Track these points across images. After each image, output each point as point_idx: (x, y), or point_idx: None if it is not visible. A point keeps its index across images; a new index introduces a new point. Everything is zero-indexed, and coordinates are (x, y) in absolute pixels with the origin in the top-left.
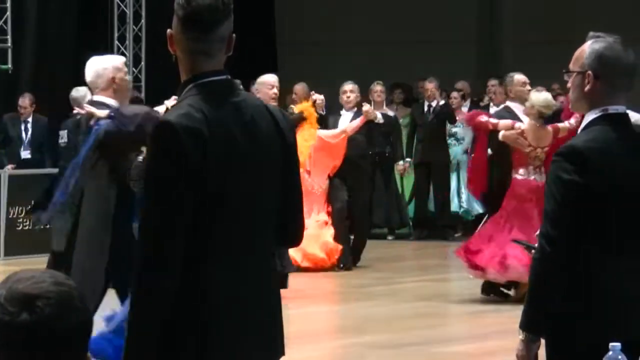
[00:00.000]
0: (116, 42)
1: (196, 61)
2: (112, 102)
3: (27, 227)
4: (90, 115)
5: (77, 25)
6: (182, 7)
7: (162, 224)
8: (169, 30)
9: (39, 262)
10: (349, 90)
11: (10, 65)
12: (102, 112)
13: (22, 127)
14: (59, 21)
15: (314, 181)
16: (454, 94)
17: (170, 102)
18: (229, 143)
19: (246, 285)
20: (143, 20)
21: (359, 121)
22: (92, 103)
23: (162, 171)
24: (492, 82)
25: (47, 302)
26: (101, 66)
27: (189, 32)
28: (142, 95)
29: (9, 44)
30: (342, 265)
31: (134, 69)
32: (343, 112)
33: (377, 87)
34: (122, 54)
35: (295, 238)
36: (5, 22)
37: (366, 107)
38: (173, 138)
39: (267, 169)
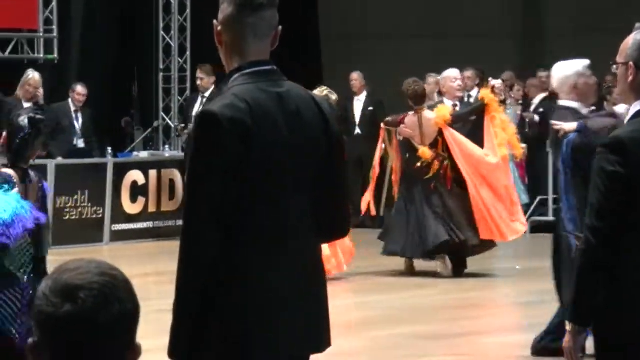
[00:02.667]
0: (161, 32)
1: (241, 52)
2: (575, 105)
3: (74, 217)
4: (558, 130)
5: (122, 16)
6: None
7: (203, 213)
8: (215, 22)
9: (85, 252)
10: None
11: (56, 55)
12: (570, 126)
13: (74, 116)
14: (104, 11)
15: None
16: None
17: None
18: (273, 133)
19: (288, 274)
20: (188, 10)
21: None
22: (558, 108)
23: (204, 160)
24: (542, 74)
25: (89, 293)
26: (564, 74)
27: (243, 14)
28: (188, 85)
29: (55, 34)
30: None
31: (179, 59)
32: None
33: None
34: (167, 44)
35: (340, 229)
36: (51, 12)
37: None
38: (216, 128)
39: (311, 159)
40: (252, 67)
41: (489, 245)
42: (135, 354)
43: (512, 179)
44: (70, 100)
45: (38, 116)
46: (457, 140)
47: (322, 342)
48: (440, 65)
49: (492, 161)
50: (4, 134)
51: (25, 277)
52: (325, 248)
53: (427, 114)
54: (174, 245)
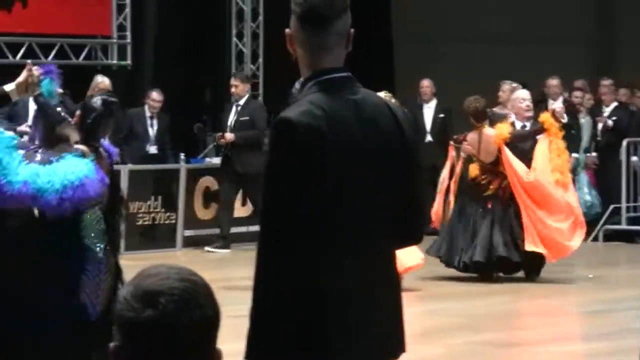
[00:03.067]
0: (234, 39)
1: (315, 58)
2: None
3: (147, 222)
4: None
5: (195, 22)
6: (299, 4)
7: (280, 221)
8: (287, 30)
9: (157, 258)
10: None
11: (129, 62)
12: None
13: (149, 123)
14: (178, 18)
15: None
16: (577, 93)
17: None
18: (348, 140)
19: (363, 280)
20: (261, 17)
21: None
22: None
23: (280, 168)
24: (605, 82)
25: (170, 299)
26: None
27: (307, 29)
28: (260, 92)
29: (129, 40)
30: None
31: (251, 66)
32: None
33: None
34: (240, 51)
35: (415, 236)
36: (125, 19)
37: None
38: (292, 135)
39: (385, 166)
40: (327, 74)
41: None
42: (217, 359)
43: (576, 199)
44: (146, 106)
45: (111, 98)
46: (508, 161)
47: (397, 347)
48: (512, 71)
49: (546, 179)
50: (77, 112)
51: (101, 253)
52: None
53: (488, 131)
54: (246, 251)
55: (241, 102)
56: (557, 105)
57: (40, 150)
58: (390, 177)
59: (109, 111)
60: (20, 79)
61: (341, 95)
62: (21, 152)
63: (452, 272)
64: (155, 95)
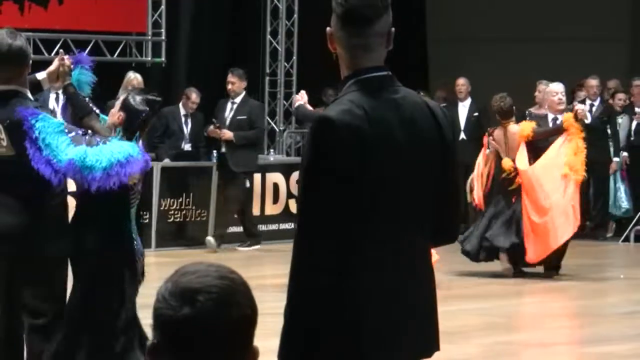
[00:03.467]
0: (268, 36)
1: (356, 57)
2: None
3: (178, 219)
4: None
5: (230, 20)
6: (340, 4)
7: (317, 220)
8: (328, 29)
9: (189, 254)
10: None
11: (164, 59)
12: None
13: (184, 121)
14: (212, 16)
15: None
16: (620, 95)
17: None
18: (388, 140)
19: (399, 279)
20: (296, 15)
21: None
22: None
23: (319, 166)
24: (638, 82)
25: (208, 297)
26: None
27: (348, 29)
28: (294, 89)
29: (163, 37)
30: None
31: (285, 64)
32: None
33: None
34: (274, 48)
35: (451, 234)
36: (160, 16)
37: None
38: (332, 134)
39: (424, 166)
40: (368, 73)
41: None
42: (253, 357)
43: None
44: (180, 104)
45: (155, 98)
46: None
47: (432, 345)
48: (546, 71)
49: (551, 173)
50: (121, 114)
51: (137, 239)
52: None
53: (512, 127)
54: (277, 249)
55: (237, 100)
56: (580, 106)
57: (81, 132)
58: (428, 175)
59: (153, 110)
60: (52, 67)
61: (381, 94)
62: (71, 134)
63: (484, 270)
64: (194, 96)
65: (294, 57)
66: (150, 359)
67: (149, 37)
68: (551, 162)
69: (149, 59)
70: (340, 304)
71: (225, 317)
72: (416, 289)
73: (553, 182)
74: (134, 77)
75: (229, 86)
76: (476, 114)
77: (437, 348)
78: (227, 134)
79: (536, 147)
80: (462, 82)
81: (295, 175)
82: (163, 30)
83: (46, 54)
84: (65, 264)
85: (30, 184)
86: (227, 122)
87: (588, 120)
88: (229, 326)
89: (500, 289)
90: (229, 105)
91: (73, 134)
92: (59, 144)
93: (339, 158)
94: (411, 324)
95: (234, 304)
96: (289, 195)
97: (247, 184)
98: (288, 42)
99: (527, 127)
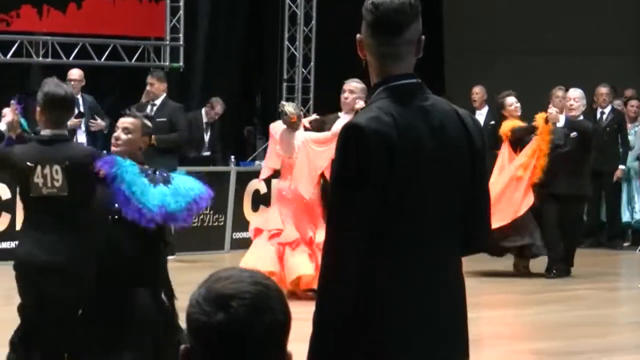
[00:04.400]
0: (286, 42)
1: (386, 64)
2: None
3: (195, 224)
4: None
5: (247, 25)
6: (371, 11)
7: (346, 226)
8: (358, 36)
9: (206, 259)
10: (349, 90)
11: (182, 64)
12: None
13: (204, 128)
14: (230, 21)
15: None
16: (633, 102)
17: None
18: (417, 147)
19: (428, 288)
20: (314, 21)
21: None
22: None
23: (348, 173)
24: None
25: (242, 302)
26: None
27: (378, 36)
28: (311, 96)
29: (181, 42)
30: (554, 272)
31: (303, 70)
32: (341, 114)
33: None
34: (292, 54)
35: (481, 244)
36: (178, 21)
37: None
38: (361, 141)
39: (454, 174)
40: (397, 80)
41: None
42: None
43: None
44: (203, 111)
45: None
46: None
47: (461, 354)
48: (562, 80)
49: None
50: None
51: None
52: None
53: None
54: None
55: (157, 102)
56: (553, 109)
57: (150, 170)
58: (457, 183)
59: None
60: (9, 118)
61: (411, 101)
62: (146, 175)
63: (505, 279)
64: (219, 108)
65: (312, 63)
66: None
67: (167, 42)
68: (508, 168)
69: (167, 63)
70: (367, 312)
71: (259, 322)
72: (445, 296)
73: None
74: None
75: (148, 87)
76: (492, 122)
77: (467, 356)
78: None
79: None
80: (477, 91)
81: None
82: (181, 35)
83: (64, 58)
84: None
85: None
86: None
87: (560, 123)
88: (262, 332)
89: (518, 297)
90: (148, 107)
91: (144, 174)
92: (144, 189)
93: (367, 165)
94: (440, 332)
95: (267, 310)
96: None
97: None
98: (306, 48)
99: (506, 126)
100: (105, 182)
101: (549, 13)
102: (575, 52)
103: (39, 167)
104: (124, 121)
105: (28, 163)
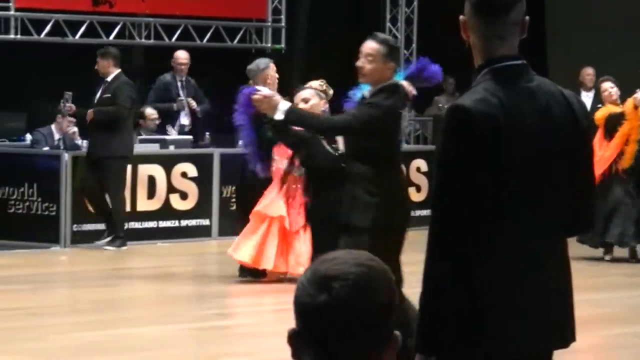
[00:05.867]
0: (388, 23)
1: (491, 46)
2: None
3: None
4: None
5: (349, 7)
6: None
7: (451, 208)
8: (461, 17)
9: None
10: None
11: (283, 45)
12: None
13: None
14: (331, 3)
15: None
16: None
17: None
18: (523, 129)
19: (534, 268)
20: (415, 3)
21: None
22: None
23: (454, 154)
24: None
25: (344, 283)
26: None
27: (482, 17)
28: None
29: (283, 24)
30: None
31: (405, 52)
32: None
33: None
34: (394, 36)
35: (587, 224)
36: (280, 2)
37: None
38: (467, 122)
39: (559, 155)
40: (502, 62)
41: None
42: (393, 345)
43: None
44: None
45: None
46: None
47: (568, 335)
48: None
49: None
50: None
51: None
52: None
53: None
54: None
55: (108, 79)
56: (639, 93)
57: None
58: (563, 164)
59: None
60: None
61: (516, 83)
62: None
63: (605, 263)
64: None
65: (414, 45)
66: (290, 345)
67: (269, 24)
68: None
69: (269, 45)
70: (475, 295)
71: (361, 303)
72: (552, 277)
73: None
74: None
75: (96, 66)
76: (599, 105)
77: (574, 338)
78: (89, 114)
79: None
80: (589, 72)
81: (415, 163)
82: (283, 17)
83: (167, 40)
84: None
85: None
86: (95, 101)
87: None
88: (365, 313)
89: (621, 280)
90: (102, 86)
91: None
92: None
93: (473, 145)
94: (548, 313)
95: (370, 291)
96: (409, 183)
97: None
98: (407, 30)
99: (600, 113)
100: None
101: None
102: None
103: None
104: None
105: None
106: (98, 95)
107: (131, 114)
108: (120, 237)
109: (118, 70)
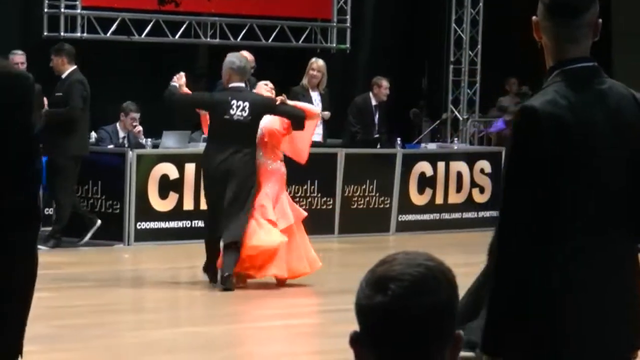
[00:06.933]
0: (453, 24)
1: (562, 47)
2: None
3: (361, 206)
4: None
5: (414, 8)
6: None
7: (519, 209)
8: (534, 18)
9: (371, 242)
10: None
11: (348, 45)
12: None
13: (374, 110)
14: (396, 3)
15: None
16: None
17: None
18: (593, 131)
19: (600, 271)
20: (481, 4)
21: None
22: None
23: (521, 155)
24: None
25: (400, 284)
26: None
27: (555, 19)
28: (477, 78)
29: (348, 24)
30: None
31: (470, 52)
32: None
33: None
34: (459, 37)
35: None
36: (345, 3)
37: None
38: (535, 123)
39: (629, 158)
40: (573, 64)
41: None
42: (456, 345)
43: None
44: (371, 94)
45: None
46: None
47: (636, 338)
48: None
49: None
50: None
51: None
52: None
53: None
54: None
55: (63, 76)
56: None
57: None
58: (633, 167)
59: None
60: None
61: (587, 85)
62: None
63: None
64: (385, 84)
65: (479, 46)
66: (352, 347)
67: (334, 24)
68: None
69: (334, 45)
70: (541, 299)
71: (418, 304)
72: (619, 280)
73: None
74: (314, 62)
75: (52, 63)
76: None
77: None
78: (42, 115)
79: None
80: None
81: (479, 164)
82: (348, 17)
83: (232, 39)
84: None
85: None
86: (49, 100)
87: None
88: (423, 313)
89: None
90: (59, 84)
91: None
92: None
93: (541, 146)
94: (615, 316)
95: (427, 291)
96: (472, 184)
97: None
98: (473, 31)
99: None
100: None
101: None
102: None
103: None
104: None
105: None
106: (53, 93)
107: (85, 113)
108: (56, 238)
109: (73, 67)
